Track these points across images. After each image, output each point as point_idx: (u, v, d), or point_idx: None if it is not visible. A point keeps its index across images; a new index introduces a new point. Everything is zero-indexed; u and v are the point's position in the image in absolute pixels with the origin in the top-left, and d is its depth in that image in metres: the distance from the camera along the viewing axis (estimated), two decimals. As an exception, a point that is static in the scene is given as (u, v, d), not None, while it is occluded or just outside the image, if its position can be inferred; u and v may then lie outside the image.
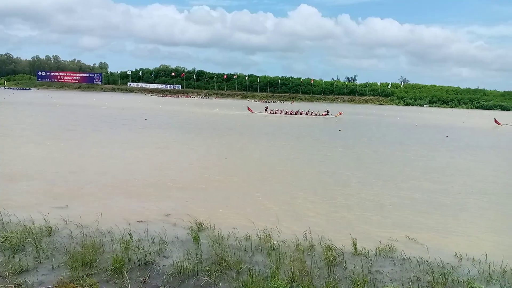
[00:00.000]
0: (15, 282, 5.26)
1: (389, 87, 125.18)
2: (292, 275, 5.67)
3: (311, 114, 49.87)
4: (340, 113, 50.95)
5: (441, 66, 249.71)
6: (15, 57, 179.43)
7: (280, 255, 6.34)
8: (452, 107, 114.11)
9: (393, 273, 6.28)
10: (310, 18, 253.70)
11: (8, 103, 47.64)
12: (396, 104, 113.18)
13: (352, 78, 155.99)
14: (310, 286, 5.45)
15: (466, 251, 7.21)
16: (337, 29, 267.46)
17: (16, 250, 6.34)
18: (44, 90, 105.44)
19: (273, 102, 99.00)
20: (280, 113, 49.48)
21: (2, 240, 6.56)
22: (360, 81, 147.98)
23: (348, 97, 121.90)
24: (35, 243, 6.44)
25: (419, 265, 6.47)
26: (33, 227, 7.09)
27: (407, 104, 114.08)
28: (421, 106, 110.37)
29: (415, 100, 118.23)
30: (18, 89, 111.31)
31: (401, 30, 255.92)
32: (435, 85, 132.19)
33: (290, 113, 49.44)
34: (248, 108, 51.96)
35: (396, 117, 50.10)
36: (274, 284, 5.22)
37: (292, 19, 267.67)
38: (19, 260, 5.94)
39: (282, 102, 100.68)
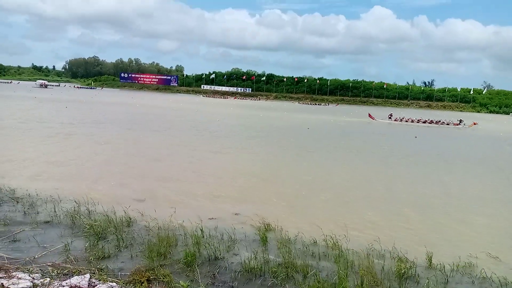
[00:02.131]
0: (98, 266, 5.71)
1: (470, 93, 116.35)
2: (361, 284, 5.51)
3: (441, 123, 45.83)
4: (475, 123, 45.59)
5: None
6: (101, 59, 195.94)
7: (349, 263, 6.20)
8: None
9: (472, 292, 5.84)
10: (384, 20, 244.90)
11: (95, 102, 51.70)
12: (478, 112, 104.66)
13: (429, 82, 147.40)
14: (379, 298, 5.25)
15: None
16: (413, 31, 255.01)
17: (99, 237, 6.90)
18: (126, 91, 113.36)
19: (318, 104, 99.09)
20: (406, 121, 46.06)
21: (88, 227, 7.17)
22: (438, 86, 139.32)
23: (425, 102, 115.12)
24: (116, 233, 6.97)
25: (501, 286, 5.95)
26: (114, 218, 7.66)
27: (490, 112, 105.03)
28: (507, 114, 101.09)
29: (500, 107, 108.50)
30: (84, 87, 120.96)
31: (484, 32, 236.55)
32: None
33: (418, 122, 45.98)
34: (369, 115, 49.47)
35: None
36: (342, 291, 5.11)
37: (365, 21, 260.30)
38: (102, 247, 6.45)
39: (327, 104, 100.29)
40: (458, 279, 6.30)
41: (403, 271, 6.04)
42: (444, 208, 10.72)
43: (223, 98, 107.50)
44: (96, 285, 4.51)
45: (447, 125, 45.25)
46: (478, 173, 16.66)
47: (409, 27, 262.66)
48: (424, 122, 46.18)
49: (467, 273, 6.51)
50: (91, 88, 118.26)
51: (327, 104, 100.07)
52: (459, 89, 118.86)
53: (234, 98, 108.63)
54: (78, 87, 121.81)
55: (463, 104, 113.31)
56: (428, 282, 5.85)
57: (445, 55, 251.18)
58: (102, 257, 6.14)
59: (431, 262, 6.63)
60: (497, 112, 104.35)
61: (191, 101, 71.47)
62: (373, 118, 47.69)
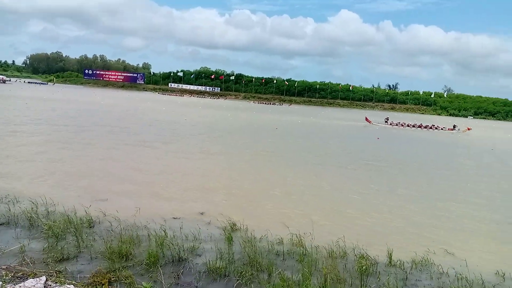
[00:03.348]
0: (56, 269, 5.50)
1: (432, 96, 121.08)
2: (325, 281, 5.59)
3: (435, 128, 47.30)
4: (469, 129, 46.33)
5: (488, 76, 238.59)
6: (64, 55, 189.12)
7: (313, 261, 6.28)
8: (499, 119, 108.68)
9: (429, 287, 6.06)
10: (350, 23, 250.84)
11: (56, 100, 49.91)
12: (439, 114, 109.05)
13: (393, 86, 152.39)
14: (342, 295, 5.35)
15: (509, 270, 6.83)
16: (379, 35, 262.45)
17: (59, 238, 6.64)
18: (89, 88, 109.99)
19: (272, 103, 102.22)
20: (402, 126, 46.85)
21: (46, 228, 6.89)
22: (401, 89, 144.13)
23: (389, 104, 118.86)
24: (76, 234, 6.72)
25: (457, 281, 6.22)
26: (75, 218, 7.40)
27: (450, 115, 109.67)
28: (465, 117, 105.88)
29: (459, 110, 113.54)
30: (34, 82, 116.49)
31: (446, 38, 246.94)
32: (481, 96, 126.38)
33: (413, 126, 46.97)
34: (366, 119, 50.29)
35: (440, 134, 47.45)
36: (306, 289, 5.16)
37: (333, 24, 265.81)
38: (61, 248, 6.22)
39: (281, 104, 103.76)
40: (417, 275, 6.52)
41: (364, 268, 6.17)
42: (404, 208, 11.06)
43: (178, 95, 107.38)
44: (52, 288, 4.35)
45: (442, 130, 46.60)
46: (442, 176, 17.31)
47: (375, 31, 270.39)
48: (420, 126, 47.24)
49: (425, 269, 6.76)
50: (41, 84, 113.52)
51: (281, 104, 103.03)
52: (421, 93, 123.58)
53: (190, 96, 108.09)
54: (28, 82, 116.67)
55: (424, 107, 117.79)
56: (388, 279, 6.02)
57: (408, 59, 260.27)
58: (61, 259, 5.91)
59: (391, 259, 6.83)
60: (457, 115, 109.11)
61: (144, 100, 70.26)
62: (369, 122, 48.29)
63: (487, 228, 9.88)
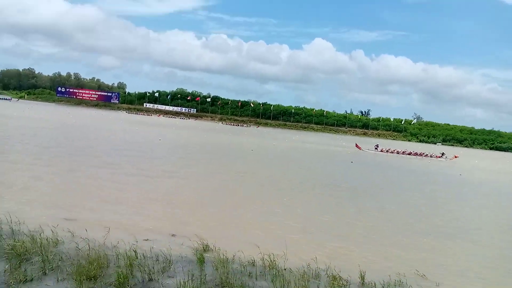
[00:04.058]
0: (18, 291, 5.25)
1: (402, 123, 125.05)
2: (296, 303, 5.56)
3: (425, 156, 48.35)
4: (456, 157, 48.15)
5: (454, 105, 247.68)
6: (36, 72, 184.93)
7: (285, 282, 6.24)
8: (466, 146, 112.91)
9: (400, 310, 6.12)
10: (324, 52, 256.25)
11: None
12: (409, 140, 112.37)
13: (365, 112, 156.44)
14: (313, 316, 5.33)
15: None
16: (351, 64, 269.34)
17: (22, 259, 6.35)
18: (62, 106, 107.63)
19: (240, 125, 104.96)
20: (392, 153, 47.62)
21: (9, 248, 6.59)
22: (373, 115, 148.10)
23: (361, 130, 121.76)
24: (42, 254, 6.45)
25: (427, 303, 6.30)
26: (40, 238, 7.12)
27: (420, 141, 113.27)
28: (434, 143, 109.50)
29: (428, 137, 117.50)
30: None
31: (414, 68, 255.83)
32: (448, 124, 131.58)
33: (403, 153, 47.98)
34: (356, 145, 50.87)
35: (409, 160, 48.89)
36: (277, 311, 5.11)
37: (307, 52, 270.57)
38: (25, 269, 5.95)
39: (248, 126, 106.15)
40: (388, 297, 6.58)
41: (337, 289, 6.20)
42: (376, 230, 11.23)
43: (147, 115, 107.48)
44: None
45: (430, 157, 47.59)
46: (415, 199, 17.70)
47: (348, 60, 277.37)
48: (409, 153, 48.23)
49: (396, 291, 6.83)
50: (4, 99, 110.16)
51: (249, 126, 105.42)
52: (392, 119, 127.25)
53: (158, 116, 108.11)
54: None
55: (396, 133, 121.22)
56: (359, 300, 6.05)
57: (379, 87, 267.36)
58: (24, 281, 5.65)
59: (363, 281, 6.88)
60: (426, 142, 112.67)
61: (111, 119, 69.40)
62: (360, 148, 48.71)
63: (462, 250, 10.13)
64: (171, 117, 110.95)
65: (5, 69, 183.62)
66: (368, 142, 64.82)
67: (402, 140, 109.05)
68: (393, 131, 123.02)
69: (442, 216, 14.17)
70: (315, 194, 15.94)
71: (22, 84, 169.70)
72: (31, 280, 5.74)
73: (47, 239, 7.18)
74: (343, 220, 11.92)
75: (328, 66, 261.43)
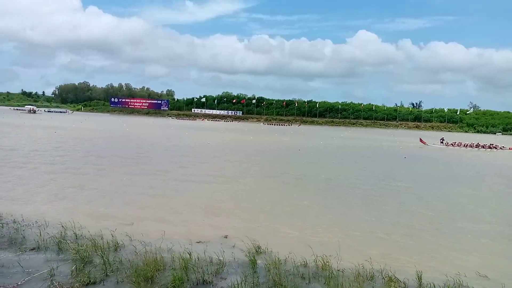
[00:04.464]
0: (83, 292, 5.57)
1: (457, 113, 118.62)
2: (351, 305, 5.44)
3: (494, 148, 44.75)
4: None
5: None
6: (91, 85, 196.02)
7: (339, 284, 6.14)
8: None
9: (463, 312, 5.80)
10: (369, 44, 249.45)
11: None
12: (466, 131, 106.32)
13: (417, 104, 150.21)
14: (370, 319, 5.19)
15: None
16: (398, 54, 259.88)
17: (86, 262, 6.75)
18: (116, 116, 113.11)
19: (281, 124, 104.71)
20: (459, 146, 45.15)
21: (74, 252, 7.02)
22: (425, 107, 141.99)
23: (413, 123, 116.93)
24: (103, 257, 6.81)
25: (492, 305, 5.93)
26: (101, 242, 7.52)
27: (478, 132, 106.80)
28: (494, 133, 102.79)
29: (486, 127, 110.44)
30: (55, 111, 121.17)
31: (467, 54, 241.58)
32: (509, 112, 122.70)
33: (471, 146, 45.29)
34: (421, 140, 48.90)
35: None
36: (332, 313, 5.03)
37: (351, 45, 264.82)
38: (88, 272, 6.31)
39: (290, 124, 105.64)
40: (449, 298, 6.26)
41: (393, 291, 6.00)
42: (434, 229, 10.74)
43: (192, 119, 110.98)
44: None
45: (501, 149, 44.56)
46: (473, 195, 16.78)
47: (394, 50, 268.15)
48: (477, 146, 45.63)
49: (457, 292, 6.48)
50: (61, 112, 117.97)
51: (290, 125, 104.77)
52: (446, 110, 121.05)
53: (202, 120, 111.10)
54: (48, 111, 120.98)
55: (450, 125, 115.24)
56: (419, 302, 5.80)
57: (430, 76, 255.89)
58: (88, 283, 6.00)
59: (421, 282, 6.59)
60: (484, 132, 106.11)
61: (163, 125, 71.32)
62: (424, 143, 46.93)
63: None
64: (216, 120, 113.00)
65: (63, 84, 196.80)
66: (421, 136, 62.08)
67: (458, 132, 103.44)
68: (447, 122, 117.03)
69: (505, 215, 13.28)
70: (368, 194, 15.51)
71: (79, 97, 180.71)
72: (94, 282, 6.07)
73: (107, 243, 7.58)
74: (399, 220, 11.50)
75: (374, 58, 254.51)
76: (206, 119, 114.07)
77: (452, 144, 46.12)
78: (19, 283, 5.81)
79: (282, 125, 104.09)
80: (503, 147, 45.59)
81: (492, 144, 46.45)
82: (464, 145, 45.93)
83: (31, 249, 7.44)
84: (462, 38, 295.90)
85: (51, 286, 5.70)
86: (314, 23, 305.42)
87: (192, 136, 43.75)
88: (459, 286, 6.63)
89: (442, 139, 48.81)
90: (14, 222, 9.03)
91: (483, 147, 45.48)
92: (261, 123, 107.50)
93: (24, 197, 11.82)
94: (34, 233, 8.22)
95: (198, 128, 66.65)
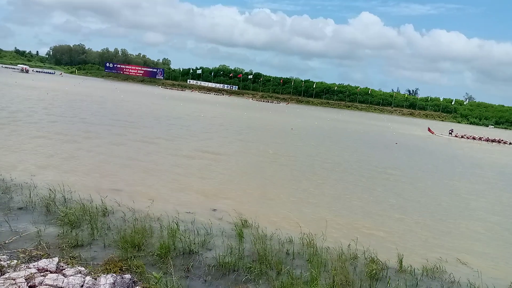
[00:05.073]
0: (70, 254, 5.63)
1: (452, 103, 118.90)
2: (333, 283, 5.59)
3: (504, 143, 43.86)
4: None
5: (511, 85, 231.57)
6: (86, 48, 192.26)
7: (322, 262, 6.28)
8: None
9: (439, 296, 5.99)
10: (371, 26, 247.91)
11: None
12: (459, 122, 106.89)
13: (413, 91, 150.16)
14: (350, 297, 5.34)
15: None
16: (399, 39, 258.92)
17: (74, 226, 6.80)
18: (110, 81, 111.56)
19: (271, 102, 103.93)
20: (468, 138, 43.74)
21: (62, 215, 7.06)
22: (421, 95, 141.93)
23: (408, 110, 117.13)
24: (91, 222, 6.87)
25: (469, 291, 6.12)
26: (90, 207, 7.56)
27: (471, 123, 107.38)
28: (486, 126, 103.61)
29: (480, 119, 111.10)
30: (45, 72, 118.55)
31: (468, 45, 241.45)
32: (503, 105, 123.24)
33: (480, 139, 44.00)
34: (429, 129, 47.90)
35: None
36: (314, 289, 5.16)
37: (353, 26, 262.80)
38: (76, 235, 6.36)
39: (278, 102, 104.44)
40: (428, 282, 6.44)
41: (374, 272, 6.15)
42: (418, 214, 10.95)
43: (180, 90, 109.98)
44: (64, 269, 4.46)
45: (510, 144, 44.03)
46: (453, 186, 17.03)
47: (396, 34, 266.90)
48: (487, 140, 44.94)
49: (436, 277, 6.67)
50: (49, 73, 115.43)
51: (278, 103, 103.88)
52: (441, 99, 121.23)
53: (192, 91, 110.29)
54: (36, 71, 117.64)
55: (444, 114, 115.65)
56: (398, 284, 5.97)
57: (429, 64, 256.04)
58: (75, 245, 6.05)
59: (402, 265, 6.76)
60: (477, 124, 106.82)
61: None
62: (432, 133, 46.24)
63: (502, 238, 9.69)
64: (205, 93, 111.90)
65: (58, 45, 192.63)
66: (414, 123, 62.49)
67: (451, 122, 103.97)
68: (442, 112, 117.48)
69: (486, 205, 13.55)
70: (359, 176, 15.68)
71: (73, 60, 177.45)
72: (81, 245, 6.13)
73: (96, 208, 7.62)
74: (384, 205, 11.69)
75: (375, 42, 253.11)
76: (196, 91, 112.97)
77: (462, 136, 45.53)
78: (6, 241, 5.85)
79: (269, 102, 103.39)
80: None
81: (502, 140, 46.03)
82: (473, 137, 45.32)
83: (19, 209, 7.46)
84: (464, 28, 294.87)
85: (39, 246, 5.74)
86: (318, 0, 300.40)
87: (185, 109, 43.48)
88: (439, 271, 6.83)
89: (451, 130, 48.32)
90: (3, 181, 9.01)
91: (492, 141, 44.95)
92: (250, 99, 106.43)
93: (15, 158, 11.75)
94: (22, 194, 8.21)
95: (187, 99, 66.19)
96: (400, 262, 6.80)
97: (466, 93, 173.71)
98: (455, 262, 7.51)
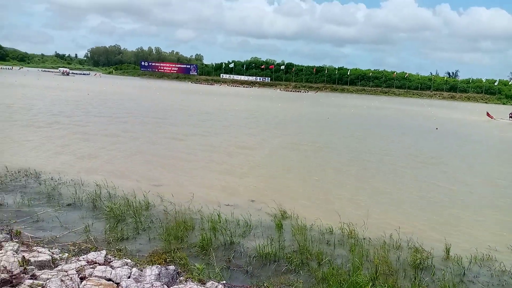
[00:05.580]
0: (117, 247, 5.87)
1: (496, 84, 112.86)
2: (376, 273, 5.49)
3: None
4: None
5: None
6: (122, 48, 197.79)
7: (364, 251, 6.18)
8: None
9: (489, 285, 5.75)
10: (405, 8, 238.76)
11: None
12: (504, 104, 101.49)
13: (453, 73, 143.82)
14: (394, 287, 5.23)
15: None
16: (435, 20, 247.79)
17: (119, 220, 7.08)
18: (145, 79, 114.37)
19: (299, 91, 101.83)
20: None
21: (108, 210, 7.36)
22: (462, 76, 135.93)
23: (448, 93, 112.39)
24: (135, 216, 7.13)
25: (522, 280, 5.84)
26: (134, 201, 7.83)
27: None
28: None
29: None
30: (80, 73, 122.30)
31: (511, 21, 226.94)
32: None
33: None
34: (488, 114, 44.76)
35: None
36: (356, 278, 5.10)
37: (385, 9, 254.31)
38: (121, 229, 6.63)
39: (306, 91, 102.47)
40: (476, 271, 6.21)
41: (418, 261, 6.00)
42: (464, 202, 10.55)
43: (210, 84, 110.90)
44: (112, 261, 4.66)
45: None
46: (492, 167, 16.26)
47: (431, 15, 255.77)
48: None
49: (485, 265, 6.41)
50: (84, 74, 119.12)
51: (306, 91, 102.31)
52: (484, 80, 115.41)
53: (220, 85, 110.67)
54: (73, 73, 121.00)
55: (488, 96, 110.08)
56: (444, 274, 5.79)
57: (469, 44, 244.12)
58: (121, 239, 6.30)
59: (448, 254, 6.56)
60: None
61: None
62: (491, 117, 43.73)
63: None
64: (235, 86, 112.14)
65: (94, 47, 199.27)
66: (455, 107, 59.87)
67: (496, 103, 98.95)
68: (485, 93, 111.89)
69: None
70: (400, 166, 15.28)
71: (110, 60, 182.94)
72: (127, 238, 6.37)
73: (139, 203, 7.89)
74: (430, 194, 11.33)
75: (410, 24, 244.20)
76: (225, 85, 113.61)
77: None
78: (58, 236, 6.17)
79: (298, 91, 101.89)
80: None
81: None
82: None
83: (68, 205, 7.84)
84: (506, 3, 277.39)
85: (87, 240, 6.02)
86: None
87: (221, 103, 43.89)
88: (489, 259, 6.56)
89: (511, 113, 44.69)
90: (52, 179, 9.49)
91: None
92: (278, 90, 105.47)
93: (62, 157, 12.33)
94: (70, 191, 8.62)
95: (221, 94, 66.64)
96: (447, 251, 6.60)
97: (511, 72, 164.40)
98: (505, 250, 7.17)
